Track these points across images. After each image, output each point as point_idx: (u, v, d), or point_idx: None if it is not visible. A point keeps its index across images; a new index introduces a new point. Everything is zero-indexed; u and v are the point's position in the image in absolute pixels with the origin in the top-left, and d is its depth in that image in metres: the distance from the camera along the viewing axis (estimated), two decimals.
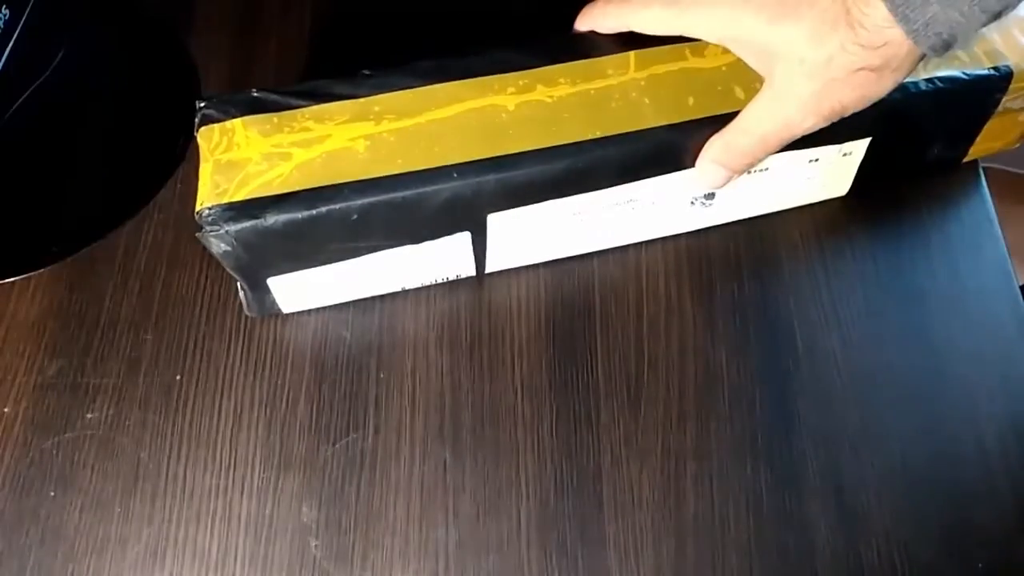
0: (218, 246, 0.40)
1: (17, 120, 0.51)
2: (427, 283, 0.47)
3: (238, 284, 0.44)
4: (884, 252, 0.49)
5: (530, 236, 0.45)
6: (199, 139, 0.41)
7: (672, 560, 0.42)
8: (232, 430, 0.45)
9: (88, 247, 0.49)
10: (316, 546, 0.42)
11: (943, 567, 0.42)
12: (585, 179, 0.42)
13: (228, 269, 0.42)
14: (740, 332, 0.47)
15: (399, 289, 0.47)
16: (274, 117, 0.41)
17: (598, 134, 0.41)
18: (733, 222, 0.49)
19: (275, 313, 0.47)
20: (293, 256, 0.42)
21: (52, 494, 0.43)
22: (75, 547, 0.42)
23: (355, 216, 0.40)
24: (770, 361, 0.46)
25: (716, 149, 0.42)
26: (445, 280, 0.47)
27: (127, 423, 0.45)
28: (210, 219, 0.39)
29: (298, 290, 0.45)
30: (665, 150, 0.42)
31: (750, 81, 0.42)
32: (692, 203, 0.46)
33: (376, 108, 0.41)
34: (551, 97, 0.42)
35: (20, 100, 0.51)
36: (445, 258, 0.45)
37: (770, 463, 0.44)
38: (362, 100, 0.41)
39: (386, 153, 0.40)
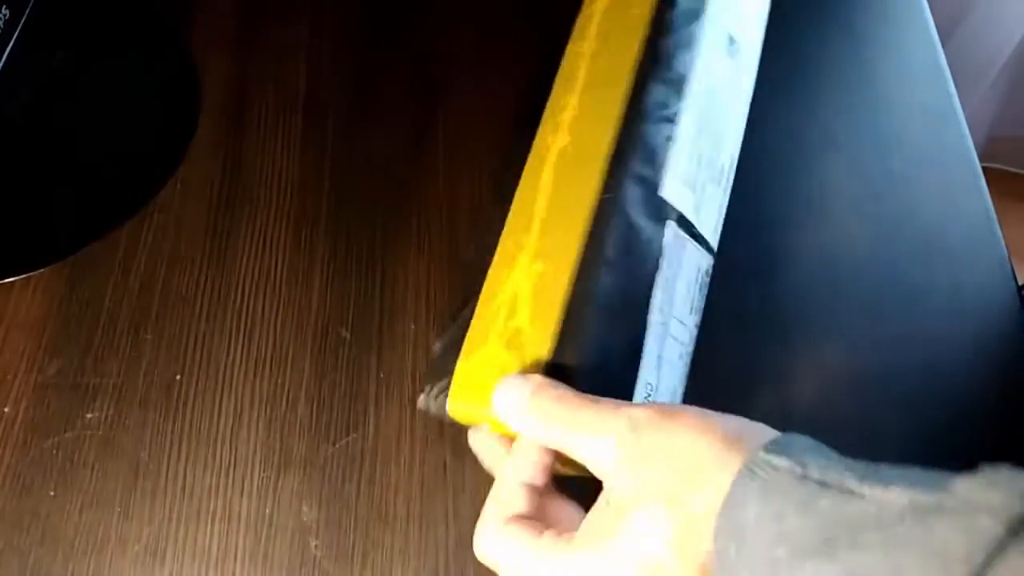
0: None
1: (17, 120, 0.51)
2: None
3: None
4: (883, 252, 0.49)
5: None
6: (457, 413, 0.37)
7: None
8: (232, 429, 0.45)
9: (88, 247, 0.49)
10: (316, 546, 0.42)
11: None
12: (670, 94, 0.41)
13: None
14: (739, 332, 0.47)
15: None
16: (473, 336, 0.38)
17: (626, 82, 0.41)
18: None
19: None
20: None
21: (52, 493, 0.43)
22: (75, 546, 0.42)
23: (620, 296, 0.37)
24: (769, 361, 0.46)
25: None
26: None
27: (127, 423, 0.45)
28: None
29: None
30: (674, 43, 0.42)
31: None
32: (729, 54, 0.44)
33: (509, 244, 0.39)
34: (573, 106, 0.41)
35: (20, 100, 0.51)
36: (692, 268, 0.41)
37: None
38: (509, 243, 0.39)
39: (558, 252, 0.38)
